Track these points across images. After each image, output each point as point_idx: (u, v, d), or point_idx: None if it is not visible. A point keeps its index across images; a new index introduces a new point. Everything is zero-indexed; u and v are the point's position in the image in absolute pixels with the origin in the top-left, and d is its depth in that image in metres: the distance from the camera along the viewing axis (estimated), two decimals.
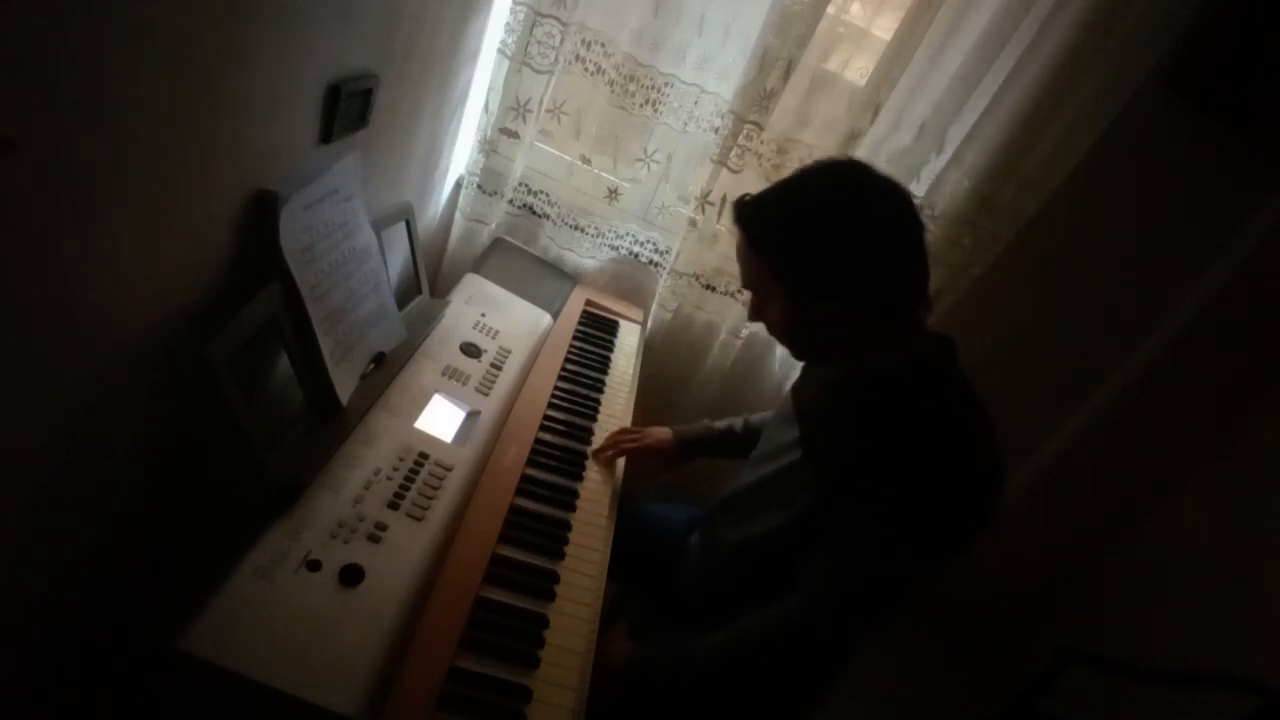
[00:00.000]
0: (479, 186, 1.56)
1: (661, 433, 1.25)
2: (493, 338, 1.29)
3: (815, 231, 0.87)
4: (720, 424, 1.27)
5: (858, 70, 1.51)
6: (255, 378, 0.82)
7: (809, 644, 0.89)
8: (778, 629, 0.89)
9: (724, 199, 1.58)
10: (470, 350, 1.23)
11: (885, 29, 1.47)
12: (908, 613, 0.92)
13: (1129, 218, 1.57)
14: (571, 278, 1.65)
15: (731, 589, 1.05)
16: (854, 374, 0.96)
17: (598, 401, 1.34)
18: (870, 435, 0.88)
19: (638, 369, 1.50)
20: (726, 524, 1.09)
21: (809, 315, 0.91)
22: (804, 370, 1.14)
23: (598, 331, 1.53)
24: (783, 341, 1.01)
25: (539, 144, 1.60)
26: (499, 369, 1.23)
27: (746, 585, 1.02)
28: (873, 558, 0.85)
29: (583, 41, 1.48)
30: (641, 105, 1.53)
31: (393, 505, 0.90)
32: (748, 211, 0.92)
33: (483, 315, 1.33)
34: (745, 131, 1.48)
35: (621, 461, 1.22)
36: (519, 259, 1.62)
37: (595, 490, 1.14)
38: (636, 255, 1.69)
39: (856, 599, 0.87)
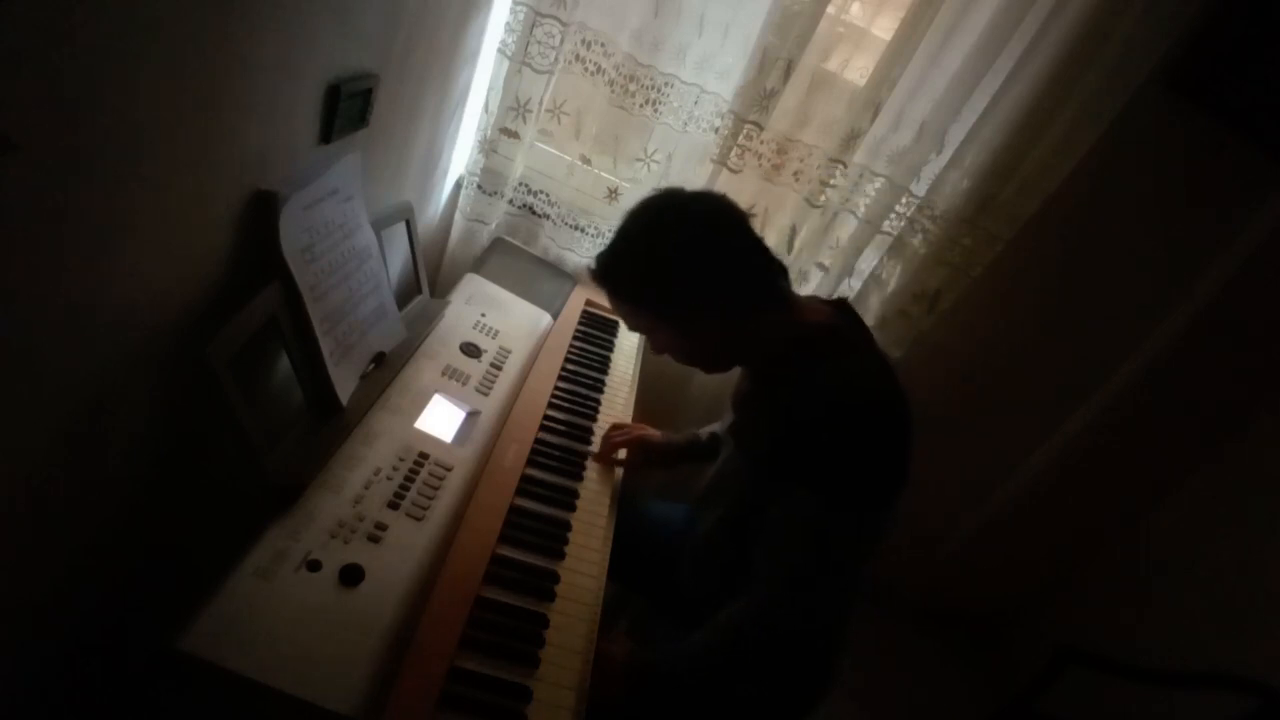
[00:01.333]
0: (479, 186, 1.56)
1: (653, 431, 1.27)
2: (493, 338, 1.29)
3: (657, 267, 0.93)
4: (705, 432, 1.30)
5: (858, 70, 1.51)
6: (255, 378, 0.82)
7: (776, 627, 0.91)
8: (747, 620, 0.92)
9: None
10: (470, 350, 1.23)
11: (885, 29, 1.47)
12: (908, 613, 0.94)
13: (1129, 217, 1.57)
14: (571, 278, 1.65)
15: (712, 581, 1.07)
16: (752, 363, 1.04)
17: (598, 401, 1.34)
18: (773, 413, 0.94)
19: (638, 369, 1.50)
20: (699, 519, 1.13)
21: (692, 336, 0.98)
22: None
23: (598, 331, 1.53)
24: (688, 364, 1.05)
25: (539, 144, 1.60)
26: (499, 369, 1.23)
27: (722, 575, 1.04)
28: (805, 527, 0.88)
29: (583, 41, 1.48)
30: (641, 105, 1.53)
31: (393, 505, 0.90)
32: (602, 271, 0.98)
33: (483, 315, 1.33)
34: (745, 131, 1.48)
35: (623, 452, 1.23)
36: (519, 259, 1.62)
37: (595, 490, 1.14)
38: None
39: (804, 571, 0.90)
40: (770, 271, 0.96)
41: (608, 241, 0.99)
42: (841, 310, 1.01)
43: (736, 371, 1.72)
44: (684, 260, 0.91)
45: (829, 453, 0.87)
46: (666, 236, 0.93)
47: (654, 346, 1.04)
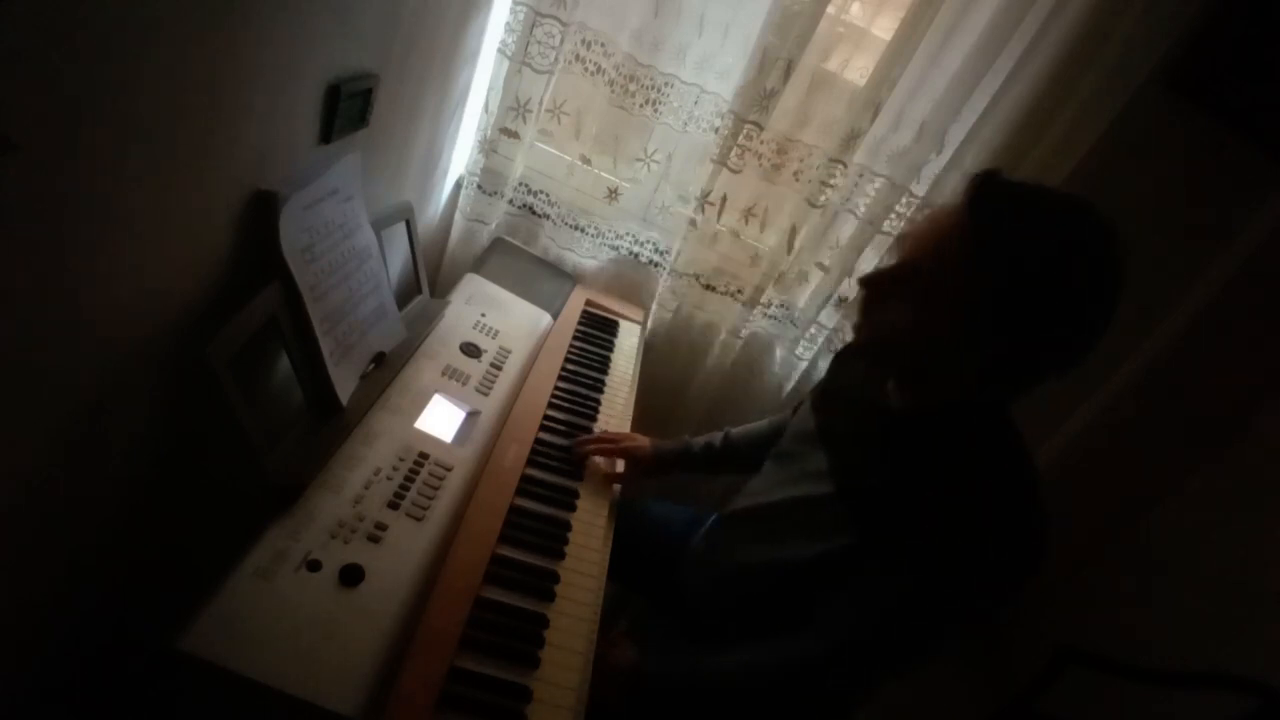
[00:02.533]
0: (479, 186, 1.56)
1: (641, 440, 1.23)
2: (493, 338, 1.29)
3: (1026, 260, 0.72)
4: (699, 441, 1.26)
5: (858, 70, 1.51)
6: (255, 378, 0.82)
7: (821, 690, 0.86)
8: (792, 671, 0.86)
9: (724, 199, 1.59)
10: (470, 350, 1.23)
11: (885, 29, 1.47)
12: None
13: (1129, 218, 1.55)
14: (571, 278, 1.65)
15: (738, 606, 1.01)
16: (909, 411, 0.86)
17: (598, 401, 1.34)
18: (916, 482, 0.81)
19: (638, 369, 1.50)
20: (739, 540, 1.04)
21: (934, 346, 0.78)
22: (827, 385, 1.07)
23: (598, 331, 1.53)
24: (872, 334, 0.83)
25: (539, 144, 1.60)
26: (499, 369, 1.23)
27: (755, 606, 0.98)
28: (904, 617, 0.80)
29: (583, 41, 1.48)
30: (641, 105, 1.53)
31: (393, 505, 0.90)
32: (992, 188, 0.74)
33: (483, 315, 1.33)
34: (745, 131, 1.48)
35: (621, 463, 1.22)
36: (519, 259, 1.62)
37: (595, 490, 1.14)
38: (636, 255, 1.69)
39: (879, 655, 0.83)
40: (1058, 370, 0.79)
41: (1018, 177, 0.77)
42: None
43: (760, 379, 1.75)
44: (1051, 293, 0.72)
45: (969, 554, 0.76)
46: (1072, 262, 0.74)
47: (884, 281, 0.80)
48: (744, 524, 1.06)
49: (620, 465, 1.21)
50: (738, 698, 0.89)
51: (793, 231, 1.59)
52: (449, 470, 0.99)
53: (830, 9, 1.38)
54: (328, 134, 0.91)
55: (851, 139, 1.47)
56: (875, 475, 0.86)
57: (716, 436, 1.26)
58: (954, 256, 0.74)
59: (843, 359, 1.10)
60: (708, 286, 1.67)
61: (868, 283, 0.82)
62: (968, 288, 0.73)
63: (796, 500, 0.94)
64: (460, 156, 1.56)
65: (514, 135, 1.51)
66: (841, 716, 0.96)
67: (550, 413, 1.23)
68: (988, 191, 0.75)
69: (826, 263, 1.65)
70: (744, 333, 1.67)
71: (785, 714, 0.88)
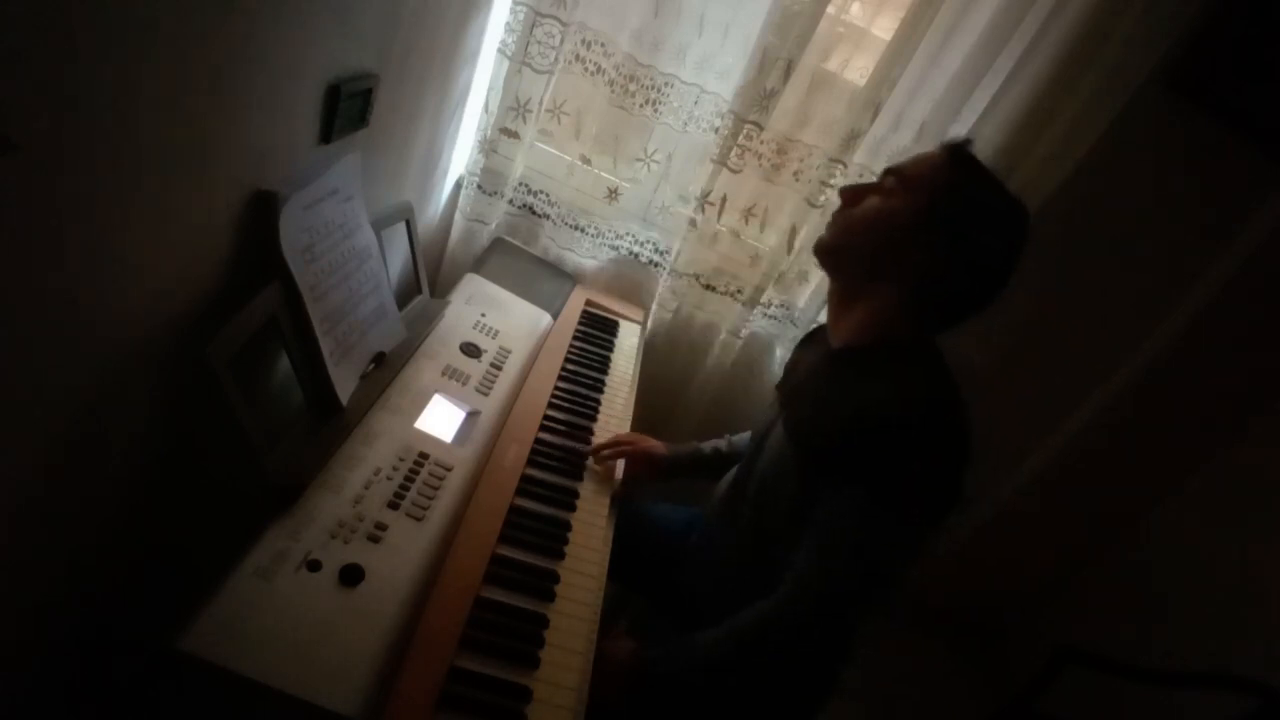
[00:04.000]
0: (479, 186, 1.56)
1: (656, 442, 1.25)
2: (493, 338, 1.29)
3: (970, 219, 0.90)
4: (707, 446, 1.29)
5: (858, 70, 1.51)
6: (255, 378, 0.82)
7: (800, 631, 0.89)
8: (771, 619, 0.90)
9: (724, 199, 1.59)
10: (470, 350, 1.23)
11: (885, 29, 1.47)
12: (907, 613, 0.92)
13: (1129, 218, 1.57)
14: (571, 278, 1.65)
15: (734, 587, 1.04)
16: (848, 347, 0.97)
17: (598, 401, 1.34)
18: (847, 406, 0.89)
19: (638, 369, 1.50)
20: (728, 526, 1.09)
21: (890, 240, 0.91)
22: (788, 365, 1.18)
23: (598, 331, 1.53)
24: (840, 234, 0.97)
25: (539, 144, 1.60)
26: (499, 369, 1.23)
27: (749, 582, 1.00)
28: (856, 538, 0.86)
29: (583, 41, 1.48)
30: (641, 105, 1.53)
31: (393, 505, 0.90)
32: (960, 158, 0.94)
33: (483, 315, 1.33)
34: (745, 131, 1.48)
35: (621, 462, 1.22)
36: (519, 259, 1.62)
37: (595, 490, 1.14)
38: (636, 255, 1.69)
39: (843, 582, 0.87)
40: (972, 313, 0.94)
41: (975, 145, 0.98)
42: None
43: (760, 379, 1.75)
44: (979, 248, 0.89)
45: (905, 467, 0.84)
46: (994, 227, 0.91)
47: (865, 191, 0.97)
48: (728, 504, 1.10)
49: (620, 466, 1.21)
50: (732, 661, 0.92)
51: (793, 231, 1.59)
52: (449, 470, 0.99)
53: (830, 9, 1.38)
54: (328, 134, 0.91)
55: (851, 139, 1.47)
56: (819, 409, 0.95)
57: (721, 443, 1.29)
58: (927, 189, 0.91)
59: (803, 343, 1.19)
60: (708, 286, 1.67)
61: (848, 188, 0.98)
62: (929, 212, 0.90)
63: (763, 467, 1.02)
64: (460, 156, 1.56)
65: (514, 135, 1.51)
66: (832, 659, 1.01)
67: (550, 413, 1.23)
68: (967, 154, 0.94)
69: None
70: (744, 333, 1.67)
71: (778, 667, 0.92)
